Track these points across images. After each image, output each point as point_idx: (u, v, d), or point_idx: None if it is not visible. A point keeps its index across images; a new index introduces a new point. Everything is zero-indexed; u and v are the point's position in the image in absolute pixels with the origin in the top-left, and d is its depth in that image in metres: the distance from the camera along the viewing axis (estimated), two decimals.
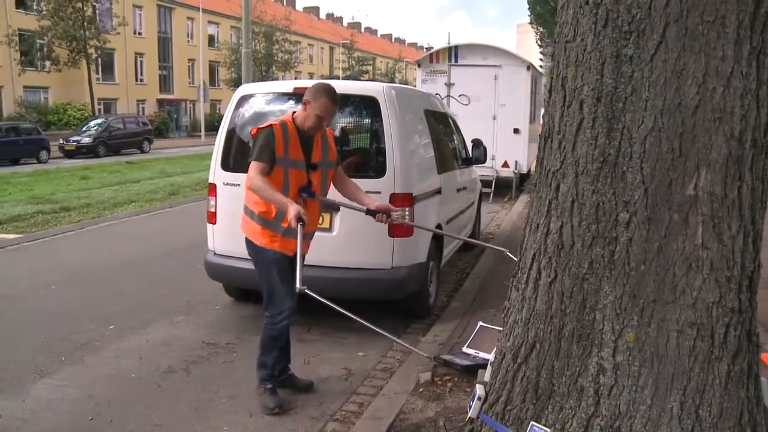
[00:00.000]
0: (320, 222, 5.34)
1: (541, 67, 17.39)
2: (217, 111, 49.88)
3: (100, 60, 40.66)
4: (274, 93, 5.85)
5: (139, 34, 47.48)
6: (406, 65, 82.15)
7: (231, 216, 5.56)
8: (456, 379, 4.38)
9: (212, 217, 5.72)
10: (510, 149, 13.94)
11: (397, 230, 5.23)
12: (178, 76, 51.73)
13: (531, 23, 43.56)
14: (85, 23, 35.57)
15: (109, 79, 45.20)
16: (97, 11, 38.55)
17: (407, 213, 5.30)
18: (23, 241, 9.38)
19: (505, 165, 14.21)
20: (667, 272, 2.37)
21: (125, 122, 31.32)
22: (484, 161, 8.18)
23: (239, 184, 5.52)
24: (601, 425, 2.43)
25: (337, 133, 5.64)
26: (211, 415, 4.05)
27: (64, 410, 4.08)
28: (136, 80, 47.67)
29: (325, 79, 5.46)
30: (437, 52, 14.77)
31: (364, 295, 5.32)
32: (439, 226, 6.04)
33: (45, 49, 36.55)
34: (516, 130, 14.02)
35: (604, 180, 2.42)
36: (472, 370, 4.43)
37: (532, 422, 2.52)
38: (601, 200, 2.44)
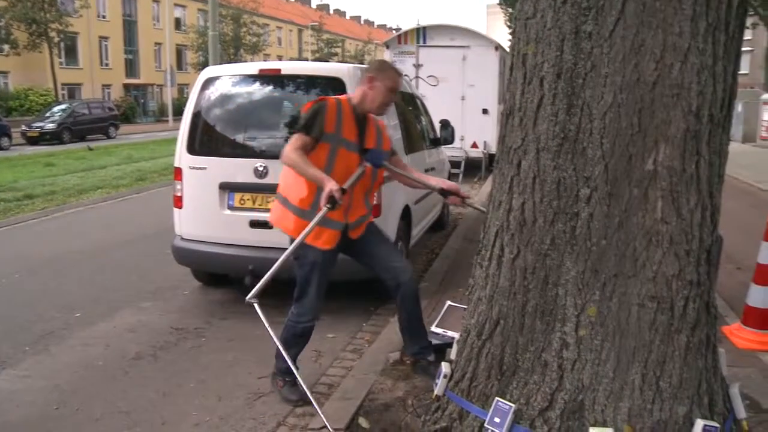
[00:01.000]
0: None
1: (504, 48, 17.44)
2: (185, 95, 49.14)
3: (62, 44, 39.72)
4: (239, 75, 5.78)
5: (103, 17, 46.46)
6: (375, 47, 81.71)
7: (198, 200, 5.54)
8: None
9: (178, 202, 5.66)
10: (479, 130, 13.98)
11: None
12: (144, 60, 50.82)
13: (500, 4, 43.53)
14: (45, 5, 34.66)
15: (73, 63, 44.25)
16: None
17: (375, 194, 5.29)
18: None
19: (474, 146, 14.27)
20: (628, 247, 2.40)
21: (90, 107, 30.67)
22: (452, 142, 8.19)
23: (206, 168, 5.49)
24: (565, 399, 2.46)
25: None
26: (180, 400, 4.03)
27: (28, 401, 4.01)
28: (101, 64, 46.70)
29: (295, 61, 5.43)
30: (405, 33, 14.73)
31: (332, 277, 5.31)
32: (407, 207, 6.05)
33: (2, 32, 35.46)
34: (485, 111, 14.06)
35: (565, 156, 2.44)
36: (440, 349, 4.46)
37: (497, 398, 2.54)
38: (562, 176, 2.45)
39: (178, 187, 5.64)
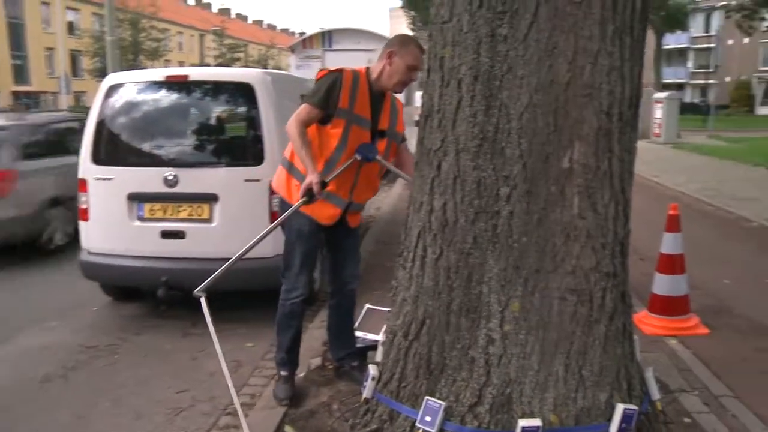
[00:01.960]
0: (200, 213, 5.22)
1: None
2: (82, 102, 47.06)
3: None
4: (145, 82, 5.61)
5: None
6: (279, 51, 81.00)
7: (105, 212, 5.33)
8: None
9: (84, 214, 5.42)
10: None
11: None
12: (35, 66, 48.26)
13: (403, 7, 44.19)
14: None
15: None
16: None
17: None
18: None
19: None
20: (548, 242, 2.48)
21: None
22: None
23: (113, 178, 5.29)
24: (493, 393, 2.52)
25: (212, 121, 5.51)
26: (95, 421, 3.86)
27: None
28: None
29: (197, 66, 5.32)
30: (311, 37, 14.70)
31: (247, 285, 5.22)
32: None
33: None
34: None
35: (485, 156, 2.50)
36: (362, 352, 4.48)
37: (426, 397, 2.57)
38: (482, 176, 2.51)
39: (83, 199, 5.41)
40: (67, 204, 7.51)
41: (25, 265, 7.48)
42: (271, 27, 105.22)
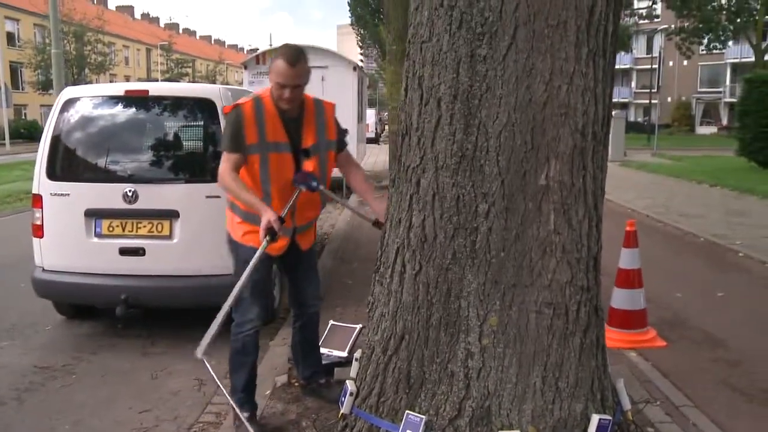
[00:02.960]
0: (160, 230, 5.15)
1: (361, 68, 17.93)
2: (23, 117, 45.80)
3: None
4: (103, 96, 5.52)
5: None
6: (227, 67, 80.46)
7: (61, 228, 5.21)
8: None
9: (38, 231, 5.28)
10: None
11: None
12: None
13: (352, 24, 44.41)
14: None
15: None
16: None
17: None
18: None
19: None
20: (525, 257, 2.55)
21: None
22: None
23: (69, 194, 5.17)
24: (473, 406, 2.55)
25: (172, 136, 5.45)
26: None
27: None
28: None
29: (143, 81, 5.24)
30: (264, 53, 14.70)
31: (207, 302, 5.15)
32: None
33: None
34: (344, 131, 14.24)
35: (463, 173, 2.55)
36: (328, 369, 4.47)
37: (407, 411, 2.59)
38: (461, 193, 2.56)
39: (38, 215, 5.27)
40: None
41: None
42: (220, 43, 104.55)
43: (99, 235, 5.17)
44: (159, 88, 5.68)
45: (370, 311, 2.90)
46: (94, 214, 5.15)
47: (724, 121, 52.61)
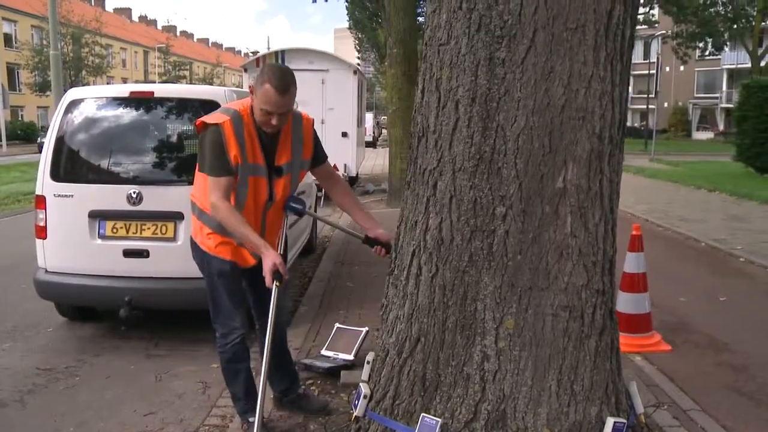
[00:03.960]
0: (164, 232, 5.14)
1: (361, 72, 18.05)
2: (20, 118, 45.68)
3: None
4: (108, 97, 5.50)
5: None
6: (224, 70, 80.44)
7: (65, 229, 5.20)
8: (319, 382, 4.38)
9: (42, 232, 5.27)
10: (339, 153, 14.14)
11: None
12: None
13: (350, 28, 44.39)
14: None
15: None
16: None
17: None
18: None
19: (335, 168, 14.42)
20: (541, 260, 2.55)
21: None
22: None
23: (73, 195, 5.16)
24: (488, 409, 2.55)
25: (177, 138, 5.44)
26: None
27: None
28: None
29: (141, 83, 5.21)
30: (264, 56, 14.70)
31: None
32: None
33: None
34: (344, 134, 14.29)
35: (481, 176, 2.55)
36: (333, 372, 4.46)
37: (422, 414, 2.59)
38: (479, 195, 2.56)
39: (41, 216, 5.26)
40: None
41: None
42: (217, 45, 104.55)
43: (103, 237, 5.16)
44: (164, 90, 5.67)
45: (383, 314, 2.89)
46: (98, 216, 5.14)
47: (721, 127, 52.84)
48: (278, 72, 3.09)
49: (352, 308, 6.05)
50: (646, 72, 32.39)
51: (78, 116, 5.37)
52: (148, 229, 5.13)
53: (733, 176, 17.62)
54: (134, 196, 5.05)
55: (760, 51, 35.57)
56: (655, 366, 4.68)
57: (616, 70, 2.52)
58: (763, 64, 35.34)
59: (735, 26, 34.54)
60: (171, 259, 5.07)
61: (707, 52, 37.15)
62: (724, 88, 53.57)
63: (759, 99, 17.29)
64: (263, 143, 3.22)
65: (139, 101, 5.43)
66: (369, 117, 34.22)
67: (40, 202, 5.26)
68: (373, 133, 38.52)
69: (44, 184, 5.24)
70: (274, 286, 3.05)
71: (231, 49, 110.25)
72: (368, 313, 5.67)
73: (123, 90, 5.55)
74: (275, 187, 3.32)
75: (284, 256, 6.05)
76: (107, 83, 47.76)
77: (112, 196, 5.10)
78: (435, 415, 2.58)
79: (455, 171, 2.59)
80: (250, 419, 3.48)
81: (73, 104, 5.39)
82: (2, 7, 46.56)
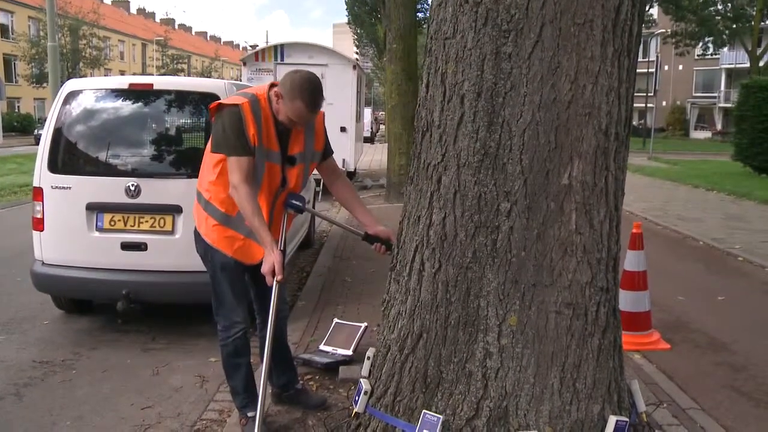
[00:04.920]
0: (162, 225, 5.11)
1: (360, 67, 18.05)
2: (17, 110, 45.51)
3: None
4: (107, 89, 5.46)
5: None
6: (222, 64, 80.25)
7: (62, 222, 5.17)
8: (317, 377, 4.36)
9: (39, 224, 5.23)
10: (337, 148, 14.01)
11: None
12: None
13: (349, 23, 44.31)
14: None
15: None
16: None
17: None
18: None
19: None
20: (545, 257, 2.52)
21: None
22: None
23: (70, 187, 5.13)
24: (490, 407, 2.53)
25: (174, 132, 5.41)
26: None
27: None
28: None
29: (138, 76, 5.16)
30: (263, 50, 14.66)
31: (209, 299, 5.10)
32: None
33: None
34: (343, 129, 14.26)
35: (486, 171, 2.53)
36: (332, 368, 4.45)
37: (424, 410, 2.57)
38: (483, 191, 2.53)
39: (38, 208, 5.22)
40: None
41: None
42: (215, 39, 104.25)
43: (100, 230, 5.13)
44: (163, 82, 5.64)
45: (384, 309, 2.87)
46: (95, 208, 5.11)
47: (719, 126, 52.88)
48: (311, 90, 3.14)
49: (350, 303, 6.03)
50: (645, 70, 32.37)
51: (76, 108, 5.33)
52: (146, 222, 5.11)
53: (732, 175, 17.64)
54: (132, 188, 5.03)
55: (759, 51, 35.57)
56: (654, 364, 4.67)
57: (623, 66, 2.50)
58: (761, 63, 35.34)
59: (735, 26, 34.55)
60: (169, 253, 5.05)
61: (709, 52, 37.13)
62: (723, 87, 53.59)
63: (758, 99, 17.31)
64: (278, 131, 3.23)
65: (139, 93, 5.40)
66: (367, 112, 34.22)
67: (38, 194, 5.22)
68: (371, 128, 38.50)
69: (42, 175, 5.20)
70: (275, 284, 3.04)
71: (229, 43, 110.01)
72: (366, 308, 5.65)
73: (122, 82, 5.50)
74: (288, 175, 3.32)
75: (283, 251, 6.05)
76: (104, 76, 47.61)
77: (111, 189, 5.07)
78: (436, 412, 2.56)
79: (460, 166, 2.56)
80: (249, 414, 3.47)
81: (72, 95, 5.35)
82: None
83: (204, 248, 3.40)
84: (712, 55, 39.05)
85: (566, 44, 2.42)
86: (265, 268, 3.02)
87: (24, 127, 40.66)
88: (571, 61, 2.42)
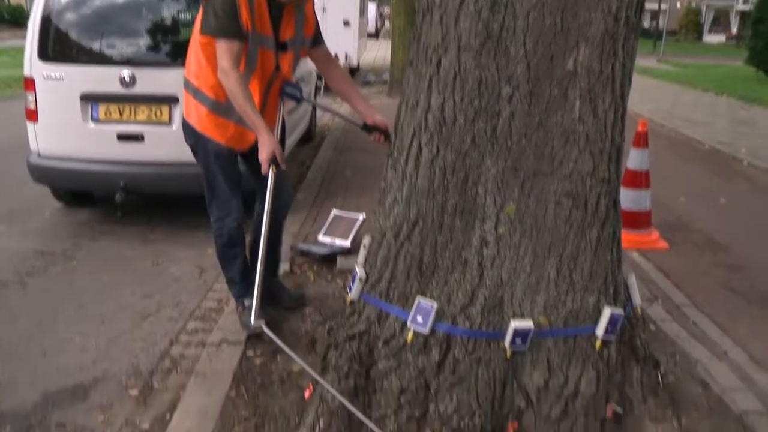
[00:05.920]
0: (159, 115, 5.02)
1: None
2: (7, 1, 44.07)
3: None
4: None
5: None
6: None
7: (56, 113, 5.10)
8: (315, 267, 4.40)
9: (32, 115, 5.15)
10: (340, 42, 13.73)
11: None
12: None
13: None
14: None
15: None
16: None
17: None
18: None
19: (336, 58, 14.10)
20: (547, 145, 2.45)
21: None
22: None
23: (62, 78, 5.00)
24: (485, 295, 2.52)
25: (170, 20, 5.21)
26: (60, 327, 3.75)
27: None
28: None
29: None
30: None
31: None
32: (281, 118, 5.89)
33: None
34: (346, 23, 13.87)
35: (487, 54, 2.41)
36: (330, 258, 4.47)
37: (418, 297, 2.56)
38: (484, 75, 2.42)
39: (31, 98, 5.12)
40: None
41: None
42: None
43: (96, 121, 5.05)
44: None
45: (381, 197, 2.81)
46: (90, 99, 5.02)
47: (734, 30, 51.31)
48: None
49: (350, 196, 6.03)
50: None
51: None
52: (143, 112, 5.01)
53: (744, 80, 17.26)
54: (127, 78, 4.91)
55: None
56: (651, 262, 4.69)
57: None
58: None
59: None
60: (166, 144, 4.97)
61: None
62: None
63: None
64: (271, 16, 3.07)
65: None
66: (372, 7, 33.20)
67: (29, 84, 5.11)
68: (376, 24, 37.55)
69: (32, 64, 5.08)
70: (270, 173, 2.96)
71: None
72: (366, 201, 5.64)
73: None
74: (281, 62, 3.20)
75: (282, 143, 5.97)
76: None
77: (104, 78, 4.96)
78: (431, 299, 2.55)
79: (460, 49, 2.43)
80: (246, 302, 3.48)
81: None
82: None
83: (195, 138, 3.29)
84: None
85: None
86: (262, 156, 2.95)
87: (15, 18, 39.45)
88: None
